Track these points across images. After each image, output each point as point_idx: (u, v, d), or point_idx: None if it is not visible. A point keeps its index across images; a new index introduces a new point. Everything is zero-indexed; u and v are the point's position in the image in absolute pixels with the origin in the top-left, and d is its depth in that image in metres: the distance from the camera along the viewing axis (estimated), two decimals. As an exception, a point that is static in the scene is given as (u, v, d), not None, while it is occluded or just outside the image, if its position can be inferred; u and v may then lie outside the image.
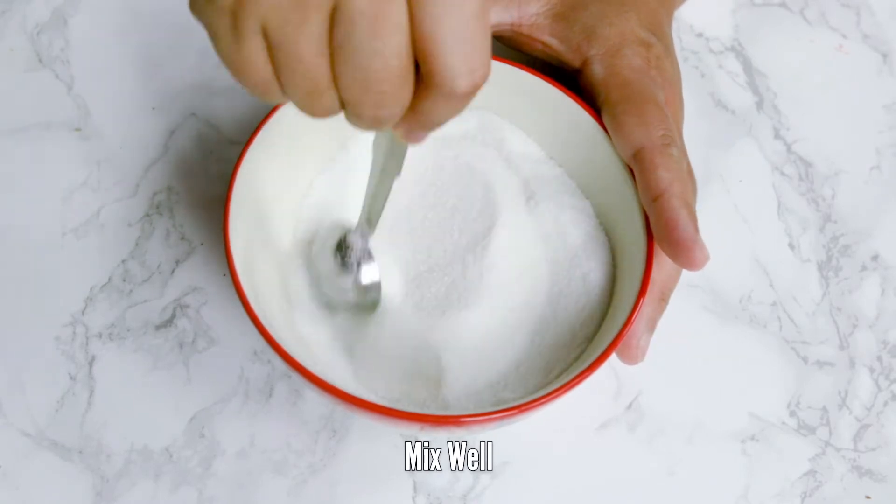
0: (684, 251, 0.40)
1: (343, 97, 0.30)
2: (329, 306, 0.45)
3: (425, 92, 0.30)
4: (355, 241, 0.44)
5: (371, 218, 0.42)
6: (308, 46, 0.29)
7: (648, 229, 0.42)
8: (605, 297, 0.45)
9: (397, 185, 0.40)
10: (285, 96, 0.31)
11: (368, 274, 0.45)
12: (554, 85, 0.46)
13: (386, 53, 0.28)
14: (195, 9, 0.31)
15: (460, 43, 0.29)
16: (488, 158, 0.48)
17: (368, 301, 0.45)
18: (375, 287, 0.45)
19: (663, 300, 0.43)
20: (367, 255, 0.44)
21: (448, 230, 0.46)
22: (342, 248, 0.44)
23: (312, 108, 0.31)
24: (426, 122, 0.31)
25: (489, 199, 0.46)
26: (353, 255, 0.44)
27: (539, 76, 0.46)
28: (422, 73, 0.30)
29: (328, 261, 0.45)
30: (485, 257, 0.45)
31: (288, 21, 0.28)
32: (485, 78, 0.30)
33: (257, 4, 0.28)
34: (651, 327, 0.43)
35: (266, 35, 0.29)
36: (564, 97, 0.46)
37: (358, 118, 0.31)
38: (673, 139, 0.42)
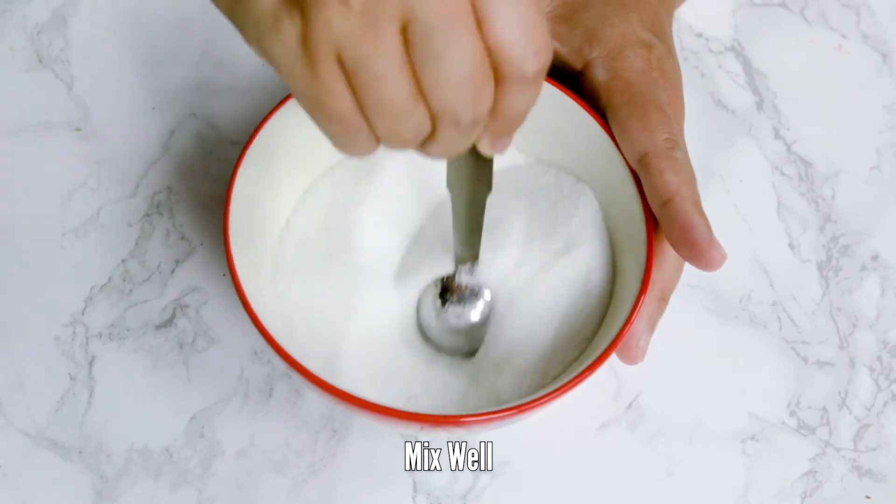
0: (701, 253, 0.40)
1: (437, 108, 0.30)
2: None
3: (500, 86, 0.31)
4: (464, 280, 0.44)
5: (474, 245, 0.42)
6: (388, 62, 0.28)
7: (649, 229, 0.42)
8: (605, 297, 0.45)
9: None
10: (370, 130, 0.31)
11: (478, 310, 0.45)
12: (554, 85, 0.46)
13: (469, 51, 0.29)
14: (262, 46, 0.30)
15: (523, 29, 0.29)
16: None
17: (477, 338, 0.45)
18: (481, 325, 0.45)
19: (663, 300, 0.43)
20: (476, 292, 0.44)
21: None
22: (447, 293, 0.44)
23: (402, 131, 0.30)
24: (509, 119, 0.32)
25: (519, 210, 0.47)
26: (464, 297, 0.44)
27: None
28: (492, 69, 0.30)
29: (432, 309, 0.45)
30: (514, 271, 0.45)
31: (362, 40, 0.28)
32: (550, 57, 0.31)
33: (327, 30, 0.28)
34: (651, 327, 0.43)
35: (342, 62, 0.29)
36: (565, 98, 0.46)
37: (455, 126, 0.31)
38: (677, 142, 0.43)
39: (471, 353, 0.45)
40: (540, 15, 0.30)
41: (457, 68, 0.29)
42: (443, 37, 0.28)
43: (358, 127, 0.31)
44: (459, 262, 0.43)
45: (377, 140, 0.32)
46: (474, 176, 0.38)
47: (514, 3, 0.29)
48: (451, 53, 0.28)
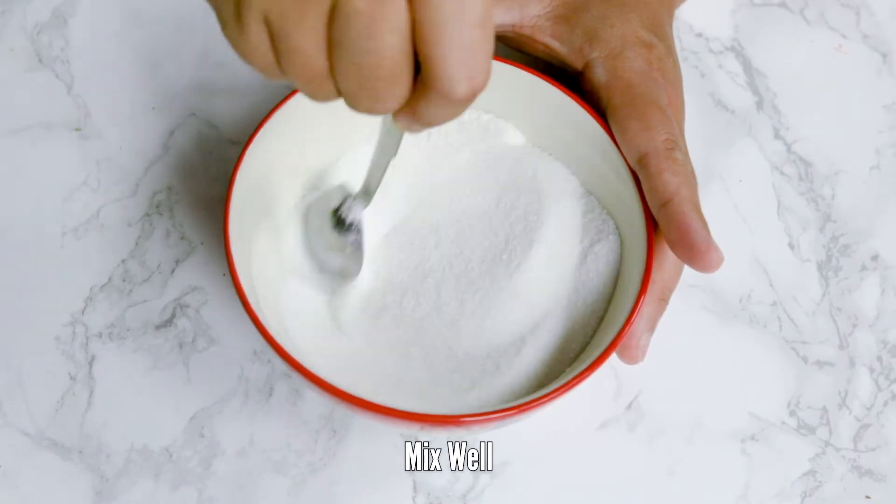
0: (699, 255, 0.40)
1: (340, 88, 0.31)
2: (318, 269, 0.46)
3: (424, 93, 0.30)
4: (353, 207, 0.44)
5: (368, 190, 0.42)
6: (306, 39, 0.29)
7: (649, 230, 0.42)
8: (606, 297, 0.45)
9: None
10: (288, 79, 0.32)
11: (355, 241, 0.45)
12: (555, 85, 0.46)
13: (380, 53, 0.29)
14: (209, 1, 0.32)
15: (460, 50, 0.29)
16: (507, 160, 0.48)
17: (351, 268, 0.45)
18: (358, 256, 0.45)
19: (663, 300, 0.43)
20: (359, 225, 0.44)
21: (482, 237, 0.47)
22: (340, 209, 0.44)
23: (313, 94, 0.32)
24: (423, 121, 0.32)
25: (534, 202, 0.47)
26: (349, 216, 0.44)
27: (540, 76, 0.46)
28: (421, 74, 0.30)
29: (324, 217, 0.45)
30: (514, 271, 0.45)
31: (287, 14, 0.29)
32: (484, 84, 0.30)
33: None
34: (651, 327, 0.43)
35: (267, 24, 0.30)
36: (566, 98, 0.46)
37: (354, 108, 0.31)
38: (677, 142, 0.43)
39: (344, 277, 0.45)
40: (485, 39, 0.29)
41: (366, 63, 0.29)
42: (360, 30, 0.28)
43: (281, 77, 0.31)
44: (359, 193, 0.43)
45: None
46: (385, 134, 0.38)
47: (457, 20, 0.28)
48: (364, 49, 0.29)
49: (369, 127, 0.49)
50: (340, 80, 0.30)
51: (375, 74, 0.29)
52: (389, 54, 0.29)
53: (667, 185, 0.41)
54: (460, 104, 0.30)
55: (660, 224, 0.41)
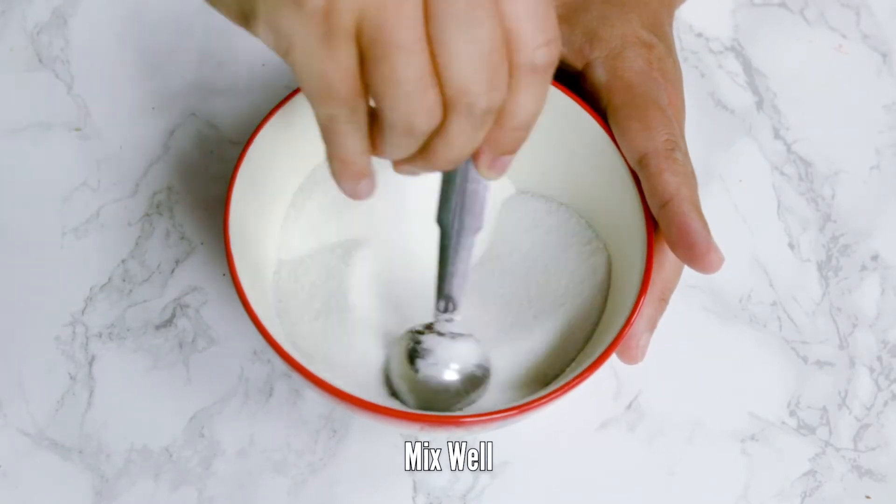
0: (699, 255, 0.40)
1: (452, 89, 0.29)
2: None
3: (510, 80, 0.30)
4: (439, 329, 0.40)
5: (452, 292, 0.39)
6: (407, 32, 0.28)
7: (649, 230, 0.42)
8: (605, 298, 0.45)
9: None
10: (369, 133, 0.31)
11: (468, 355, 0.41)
12: (554, 85, 0.46)
13: (489, 30, 0.28)
14: (277, 22, 0.29)
15: (536, 18, 0.29)
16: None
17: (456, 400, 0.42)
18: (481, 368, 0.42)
19: (663, 300, 0.43)
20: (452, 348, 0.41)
21: None
22: (416, 350, 0.41)
23: (411, 114, 0.29)
24: (514, 125, 0.31)
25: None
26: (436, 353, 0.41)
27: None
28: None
29: (403, 365, 0.42)
30: (500, 271, 0.45)
31: (384, 7, 0.28)
32: (559, 49, 0.30)
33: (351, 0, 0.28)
34: (651, 327, 0.43)
35: (360, 34, 0.28)
36: (565, 98, 0.46)
37: (468, 113, 0.30)
38: (677, 143, 0.43)
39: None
40: (551, 6, 0.30)
41: (476, 46, 0.28)
42: (465, 11, 0.28)
43: (359, 111, 0.30)
44: (438, 309, 0.40)
45: (374, 149, 0.31)
46: (465, 207, 0.36)
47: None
48: (472, 30, 0.28)
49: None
50: (451, 78, 0.29)
51: (485, 57, 0.28)
52: (493, 33, 0.28)
53: (667, 186, 0.41)
54: (544, 76, 0.30)
55: (660, 224, 0.41)
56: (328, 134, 0.32)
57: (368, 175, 0.33)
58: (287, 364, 0.38)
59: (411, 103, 0.29)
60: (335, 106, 0.30)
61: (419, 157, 0.32)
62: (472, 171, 0.36)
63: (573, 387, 0.39)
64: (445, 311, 0.40)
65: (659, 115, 0.43)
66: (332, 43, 0.28)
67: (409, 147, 0.32)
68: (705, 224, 0.41)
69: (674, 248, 0.41)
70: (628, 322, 0.40)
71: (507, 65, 0.30)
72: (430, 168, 0.33)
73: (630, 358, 0.42)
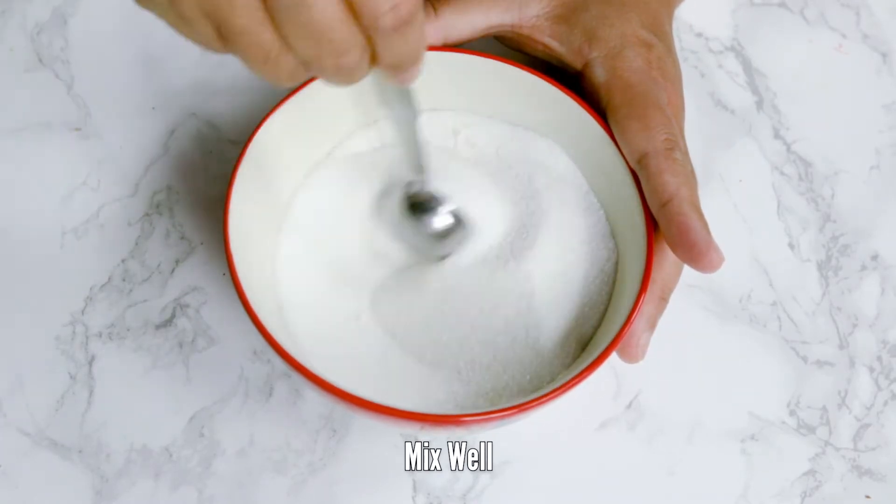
0: (699, 255, 0.40)
1: (301, 59, 0.31)
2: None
3: (371, 37, 0.31)
4: (416, 186, 0.44)
5: (416, 165, 0.43)
6: (246, 19, 0.29)
7: (649, 229, 0.42)
8: (605, 297, 0.45)
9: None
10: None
11: (442, 219, 0.45)
12: (554, 85, 0.46)
13: (323, 3, 0.29)
14: (143, 4, 0.33)
15: None
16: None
17: (446, 246, 0.45)
18: (451, 230, 0.45)
19: (663, 299, 0.43)
20: (435, 200, 0.45)
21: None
22: (408, 199, 0.45)
23: (277, 76, 0.31)
24: (393, 63, 0.32)
25: (543, 197, 0.47)
26: (421, 196, 0.44)
27: (539, 76, 0.46)
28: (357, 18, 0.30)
29: (397, 214, 0.45)
30: (523, 260, 0.45)
31: (219, 2, 0.29)
32: (410, 7, 0.30)
33: None
34: (651, 326, 0.43)
35: (207, 17, 0.30)
36: (565, 98, 0.46)
37: (324, 74, 0.31)
38: (676, 142, 0.43)
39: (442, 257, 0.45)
40: None
41: (312, 18, 0.29)
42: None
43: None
44: (411, 179, 0.44)
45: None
46: (398, 101, 0.38)
47: None
48: (302, 7, 0.29)
49: (367, 123, 0.49)
50: (296, 49, 0.30)
51: (325, 25, 0.29)
52: (327, 5, 0.29)
53: (666, 186, 0.41)
54: (401, 32, 0.31)
55: (660, 224, 0.42)
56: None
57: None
58: (287, 364, 0.38)
59: (269, 70, 0.31)
60: (216, 50, 0.32)
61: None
62: None
63: (573, 386, 0.39)
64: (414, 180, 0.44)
65: (658, 115, 0.43)
66: (188, 24, 0.31)
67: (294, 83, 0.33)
68: (705, 224, 0.41)
69: (674, 248, 0.41)
70: (628, 321, 0.40)
71: (351, 30, 0.30)
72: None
73: (630, 357, 0.42)
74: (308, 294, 0.45)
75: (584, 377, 0.39)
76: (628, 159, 0.43)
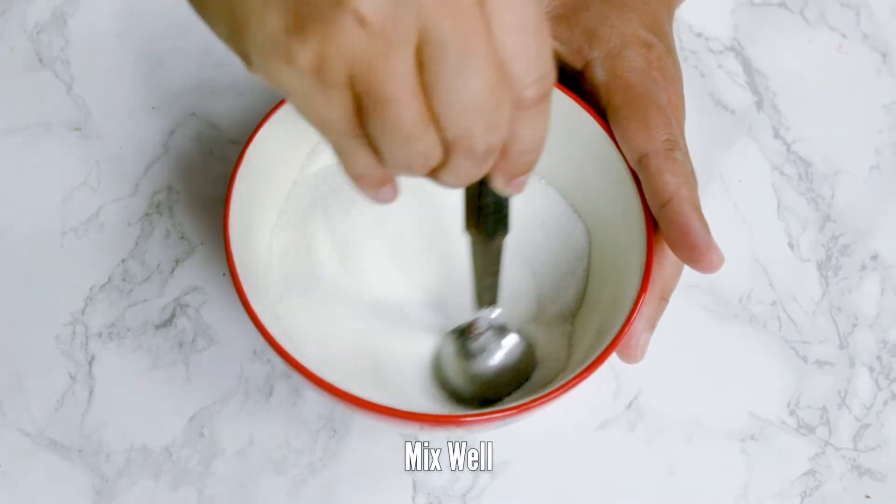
0: (699, 255, 0.40)
1: (450, 134, 0.29)
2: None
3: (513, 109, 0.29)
4: (482, 325, 0.43)
5: (492, 294, 0.41)
6: (399, 86, 0.27)
7: (649, 230, 0.42)
8: (584, 279, 0.46)
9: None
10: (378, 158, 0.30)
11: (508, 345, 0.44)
12: (554, 85, 0.46)
13: (484, 73, 0.28)
14: (271, 74, 0.29)
15: (529, 51, 0.29)
16: None
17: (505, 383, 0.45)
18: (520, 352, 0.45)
19: (664, 299, 0.43)
20: (499, 335, 0.44)
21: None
22: (468, 340, 0.44)
23: (409, 159, 0.29)
24: (519, 154, 0.31)
25: None
26: (483, 341, 0.44)
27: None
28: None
29: (453, 360, 0.44)
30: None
31: (375, 63, 0.27)
32: (551, 83, 0.30)
33: (342, 54, 0.27)
34: (651, 326, 0.43)
35: (354, 85, 0.28)
36: (565, 98, 0.46)
37: (470, 155, 0.30)
38: (677, 143, 0.43)
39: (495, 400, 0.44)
40: (544, 37, 0.29)
41: (472, 90, 0.28)
42: (457, 57, 0.27)
43: (363, 136, 0.30)
44: (479, 307, 0.42)
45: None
46: (490, 215, 0.36)
47: (523, 25, 0.28)
48: (466, 74, 0.27)
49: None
50: (450, 120, 0.28)
51: (486, 95, 0.28)
52: (488, 75, 0.28)
53: (667, 186, 0.41)
54: (537, 110, 0.30)
55: (660, 224, 0.42)
56: (338, 153, 0.31)
57: (387, 181, 0.32)
58: (287, 363, 0.38)
59: (407, 150, 0.29)
60: (337, 138, 0.30)
61: (434, 180, 0.32)
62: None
63: (573, 386, 0.39)
64: (487, 307, 0.42)
65: (658, 115, 0.43)
66: (325, 93, 0.28)
67: (415, 176, 0.31)
68: (705, 224, 0.41)
69: (674, 248, 0.41)
70: (628, 321, 0.40)
71: (504, 106, 0.29)
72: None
73: (630, 357, 0.42)
74: (307, 292, 0.45)
75: (585, 377, 0.39)
76: (628, 159, 0.43)
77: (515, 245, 0.46)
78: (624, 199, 0.44)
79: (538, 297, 0.46)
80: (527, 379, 0.44)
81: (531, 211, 0.48)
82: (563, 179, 0.48)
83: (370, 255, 0.46)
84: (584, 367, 0.40)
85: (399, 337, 0.45)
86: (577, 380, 0.39)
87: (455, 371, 0.44)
